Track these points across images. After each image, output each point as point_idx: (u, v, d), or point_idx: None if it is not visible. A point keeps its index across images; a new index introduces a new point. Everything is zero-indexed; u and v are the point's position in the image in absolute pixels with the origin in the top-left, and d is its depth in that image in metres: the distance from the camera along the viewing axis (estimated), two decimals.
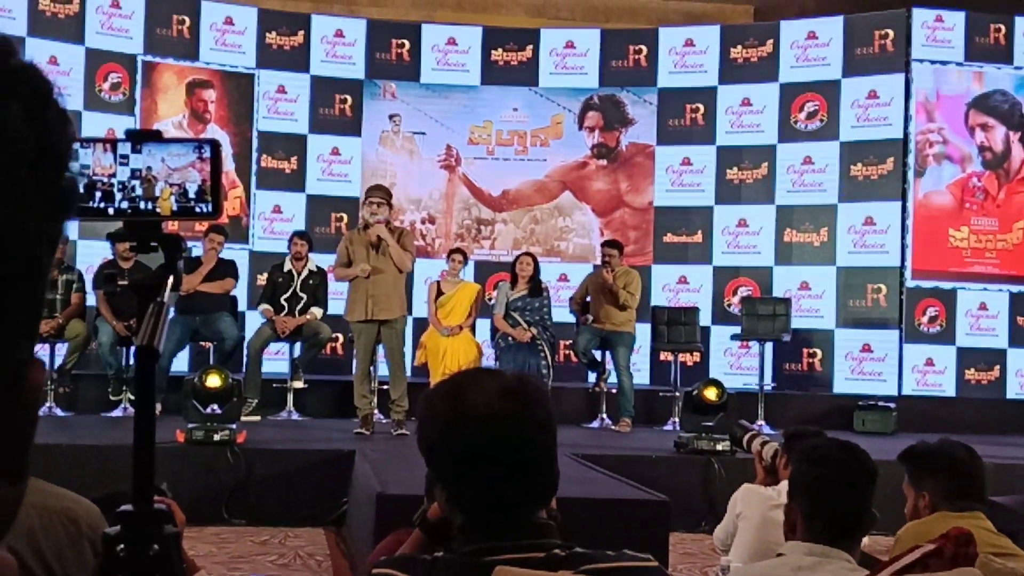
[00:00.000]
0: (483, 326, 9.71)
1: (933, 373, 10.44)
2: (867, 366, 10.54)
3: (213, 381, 7.10)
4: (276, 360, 9.42)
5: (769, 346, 9.89)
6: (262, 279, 9.78)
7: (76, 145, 1.28)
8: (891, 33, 10.68)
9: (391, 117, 11.42)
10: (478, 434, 1.61)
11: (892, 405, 9.70)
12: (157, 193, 1.27)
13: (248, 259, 10.62)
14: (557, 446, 1.70)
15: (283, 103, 11.12)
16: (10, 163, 0.59)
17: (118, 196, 1.26)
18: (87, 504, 1.59)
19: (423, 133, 11.47)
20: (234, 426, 7.05)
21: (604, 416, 9.33)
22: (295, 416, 9.00)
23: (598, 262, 10.04)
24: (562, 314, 9.85)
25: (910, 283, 10.46)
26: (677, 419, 8.87)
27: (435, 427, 1.67)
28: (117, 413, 8.43)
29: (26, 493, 0.65)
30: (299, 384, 9.06)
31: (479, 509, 1.66)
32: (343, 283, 8.25)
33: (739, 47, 11.24)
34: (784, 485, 4.28)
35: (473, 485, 1.65)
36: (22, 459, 0.63)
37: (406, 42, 11.42)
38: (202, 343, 9.10)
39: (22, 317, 0.62)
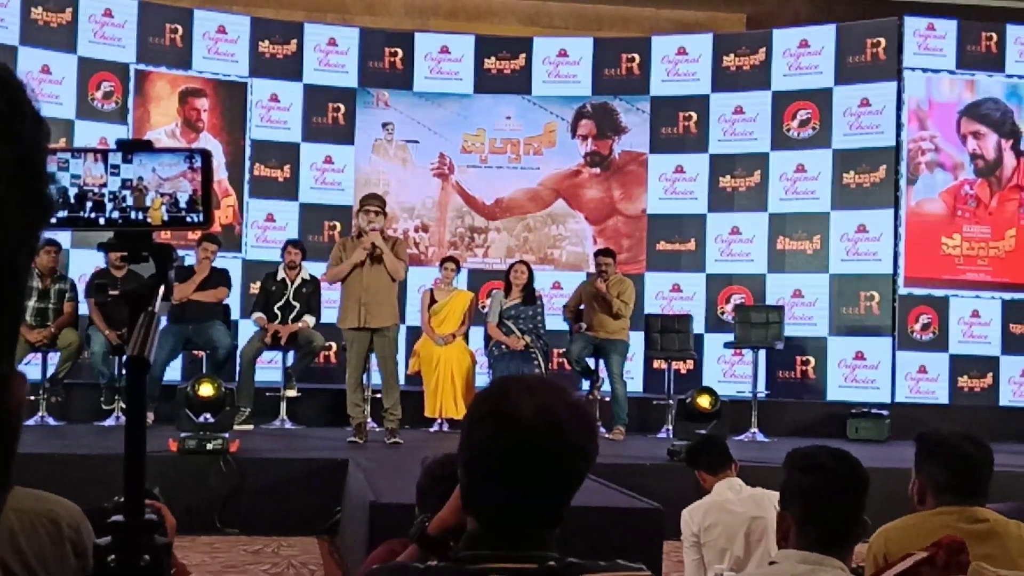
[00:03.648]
0: (476, 334, 9.70)
1: (926, 380, 10.45)
2: (860, 373, 10.55)
3: (206, 390, 7.08)
4: (269, 368, 9.40)
5: (762, 354, 9.90)
6: (255, 288, 9.78)
7: (67, 155, 1.28)
8: (883, 41, 10.71)
9: (384, 125, 11.42)
10: (495, 436, 1.58)
11: (885, 412, 9.71)
12: (148, 203, 1.27)
13: (241, 268, 10.60)
14: (582, 479, 1.62)
15: (276, 111, 11.11)
16: None
17: (109, 206, 1.25)
18: (67, 504, 1.59)
19: (416, 141, 11.47)
20: (227, 435, 7.04)
21: (598, 424, 9.33)
22: (288, 425, 8.99)
23: (591, 270, 10.04)
24: (556, 322, 9.85)
25: (903, 291, 10.47)
26: (671, 427, 8.86)
27: (470, 415, 1.66)
28: (110, 422, 8.41)
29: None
30: (292, 393, 9.05)
31: (479, 515, 1.64)
32: (336, 292, 8.24)
33: (731, 55, 11.26)
34: (722, 485, 4.47)
35: (478, 487, 1.63)
36: (6, 469, 0.64)
37: (399, 50, 11.42)
38: (195, 352, 9.08)
39: (3, 331, 0.61)
